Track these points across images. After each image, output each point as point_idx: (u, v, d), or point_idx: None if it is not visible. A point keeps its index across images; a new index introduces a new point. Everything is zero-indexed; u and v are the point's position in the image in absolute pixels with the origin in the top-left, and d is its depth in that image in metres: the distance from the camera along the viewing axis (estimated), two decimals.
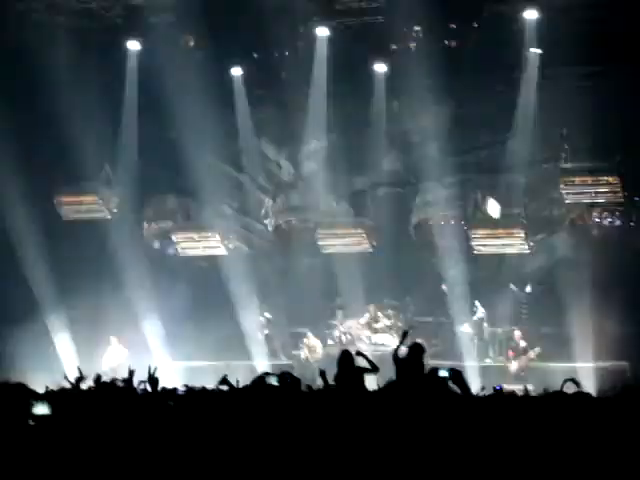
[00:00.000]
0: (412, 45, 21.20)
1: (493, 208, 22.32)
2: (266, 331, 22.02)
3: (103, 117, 21.55)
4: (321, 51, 21.21)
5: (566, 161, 20.74)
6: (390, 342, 20.54)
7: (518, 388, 17.97)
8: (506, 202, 22.16)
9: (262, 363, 20.51)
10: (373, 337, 21.45)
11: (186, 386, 10.78)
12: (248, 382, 8.44)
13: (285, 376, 8.37)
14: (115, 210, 22.50)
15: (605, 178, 20.48)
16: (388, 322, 21.66)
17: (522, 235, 21.61)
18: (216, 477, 6.41)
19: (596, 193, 20.90)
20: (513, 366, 19.79)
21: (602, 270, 21.07)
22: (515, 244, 21.84)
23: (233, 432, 6.70)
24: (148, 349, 20.83)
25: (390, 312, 21.93)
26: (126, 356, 20.46)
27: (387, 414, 6.87)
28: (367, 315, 21.87)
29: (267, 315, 22.07)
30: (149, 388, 8.92)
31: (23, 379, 6.98)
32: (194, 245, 23.09)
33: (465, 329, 21.53)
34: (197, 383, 12.38)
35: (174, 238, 23.02)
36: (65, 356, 21.45)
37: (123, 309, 21.19)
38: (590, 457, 6.21)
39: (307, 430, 6.64)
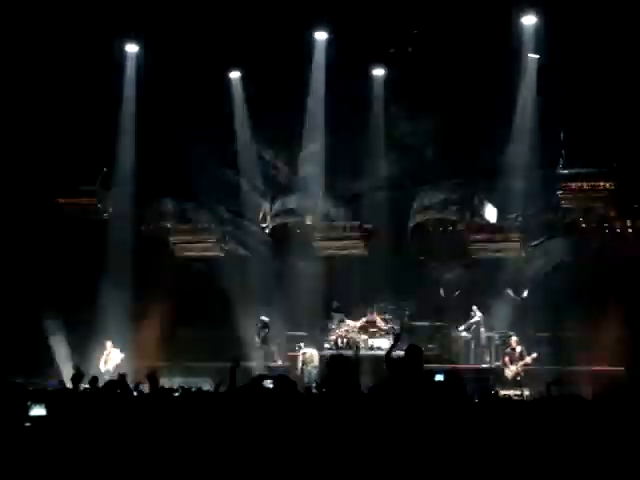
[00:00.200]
0: (410, 49, 21.21)
1: (490, 213, 22.33)
2: (262, 334, 22.00)
3: (101, 119, 21.59)
4: (319, 54, 21.23)
5: (563, 166, 20.75)
6: (387, 346, 20.52)
7: (514, 393, 18.05)
8: (503, 207, 22.18)
9: (258, 366, 20.51)
10: (370, 341, 21.43)
11: (182, 388, 10.79)
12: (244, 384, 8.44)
13: (281, 379, 8.36)
14: (113, 212, 22.47)
15: (602, 184, 20.49)
16: (385, 326, 21.64)
17: (519, 240, 21.63)
18: (211, 478, 6.41)
19: (593, 198, 20.93)
20: (509, 371, 19.79)
21: (599, 275, 21.10)
22: (512, 249, 21.87)
23: (228, 434, 6.69)
24: (143, 352, 20.79)
25: (387, 316, 21.91)
26: (121, 359, 20.45)
27: (382, 417, 6.86)
28: (364, 319, 21.86)
29: (263, 318, 22.06)
30: (146, 390, 8.93)
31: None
32: (191, 247, 23.08)
33: (462, 333, 21.56)
34: (193, 385, 12.42)
35: (171, 240, 23.01)
36: (61, 359, 21.45)
37: (119, 312, 21.18)
38: (585, 461, 6.22)
39: (302, 432, 6.63)
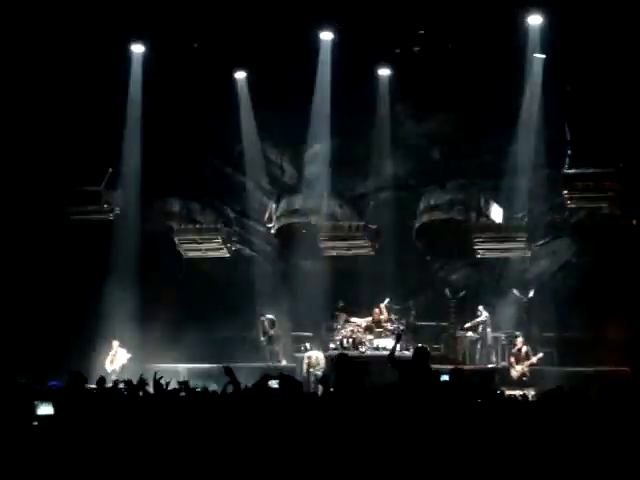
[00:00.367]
0: (416, 49, 21.21)
1: (496, 212, 22.32)
2: (268, 334, 22.00)
3: (107, 119, 21.62)
4: (325, 54, 21.22)
5: (569, 166, 20.73)
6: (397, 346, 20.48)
7: (520, 393, 18.03)
8: (509, 207, 22.16)
9: (264, 366, 20.52)
10: (375, 341, 21.40)
11: (187, 388, 10.78)
12: (250, 385, 8.45)
13: (287, 379, 8.36)
14: (118, 212, 22.50)
15: (608, 183, 20.46)
16: (390, 326, 21.62)
17: (525, 240, 21.61)
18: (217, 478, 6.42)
19: (599, 199, 20.90)
20: (515, 371, 19.77)
21: (604, 275, 21.08)
22: (518, 249, 21.85)
23: (234, 434, 6.70)
24: (149, 352, 20.79)
25: (392, 316, 21.89)
26: (128, 359, 20.47)
27: (391, 417, 6.87)
28: (369, 318, 21.85)
29: (270, 316, 22.07)
30: (151, 391, 8.94)
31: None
32: (196, 247, 23.10)
33: (468, 333, 21.53)
34: (198, 385, 12.42)
35: (177, 240, 23.03)
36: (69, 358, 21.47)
37: (125, 311, 21.21)
38: (589, 460, 6.22)
39: (308, 432, 6.64)
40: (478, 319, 21.40)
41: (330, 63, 21.25)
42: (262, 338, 22.09)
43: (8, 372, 17.00)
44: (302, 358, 21.09)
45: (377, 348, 21.08)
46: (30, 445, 5.77)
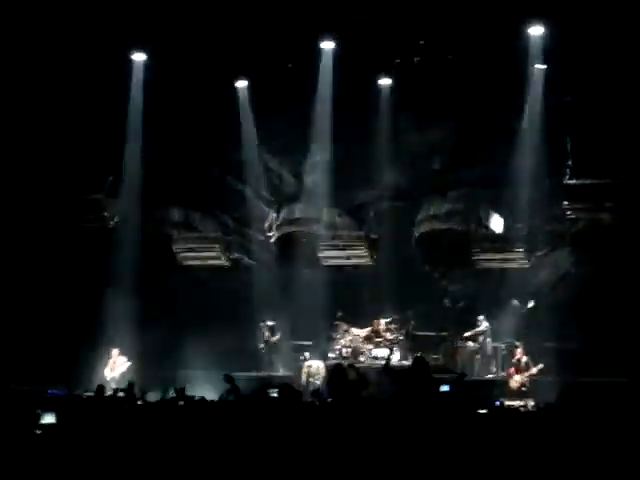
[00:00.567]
0: (417, 59, 21.24)
1: (496, 223, 22.32)
2: (268, 341, 22.00)
3: (108, 128, 21.64)
4: (326, 64, 21.26)
5: (570, 177, 20.74)
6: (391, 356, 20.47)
7: (519, 404, 18.01)
8: (509, 217, 22.17)
9: (263, 375, 20.45)
10: (374, 351, 21.39)
11: (186, 396, 10.77)
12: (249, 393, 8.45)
13: (286, 388, 8.36)
14: (119, 220, 22.50)
15: (608, 194, 20.47)
16: (390, 336, 21.60)
17: (525, 250, 21.61)
18: None
19: (599, 209, 20.91)
20: (515, 382, 19.74)
21: (604, 286, 21.07)
22: (517, 259, 21.85)
23: (233, 443, 6.69)
24: (148, 360, 20.78)
25: (392, 326, 21.87)
26: (127, 367, 20.46)
27: (389, 426, 6.86)
28: (368, 328, 21.83)
29: (269, 323, 22.07)
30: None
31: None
32: (196, 256, 23.11)
33: (468, 343, 21.52)
34: (197, 394, 12.40)
35: (176, 248, 23.03)
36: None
37: (125, 319, 21.20)
38: (589, 470, 6.21)
39: (307, 441, 6.63)
40: (478, 329, 21.40)
41: (331, 73, 21.29)
42: (261, 345, 22.09)
43: (9, 380, 17.02)
44: (301, 367, 21.07)
45: (376, 358, 21.06)
46: (33, 454, 5.77)
